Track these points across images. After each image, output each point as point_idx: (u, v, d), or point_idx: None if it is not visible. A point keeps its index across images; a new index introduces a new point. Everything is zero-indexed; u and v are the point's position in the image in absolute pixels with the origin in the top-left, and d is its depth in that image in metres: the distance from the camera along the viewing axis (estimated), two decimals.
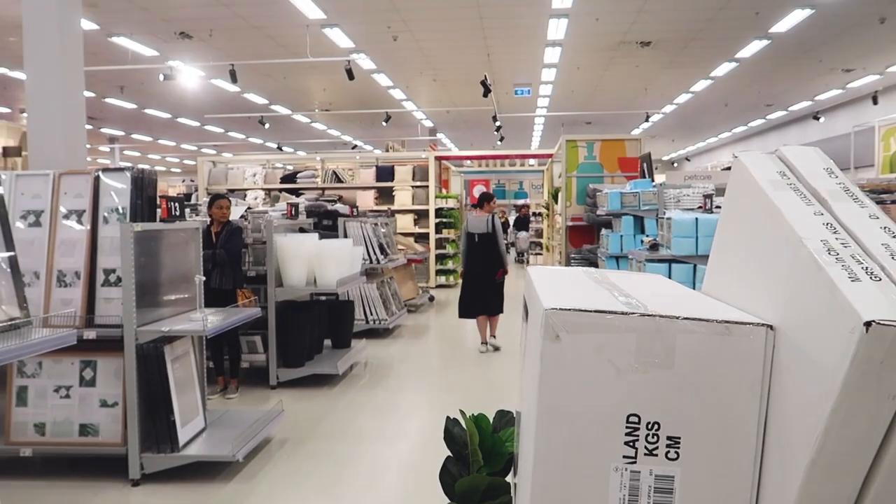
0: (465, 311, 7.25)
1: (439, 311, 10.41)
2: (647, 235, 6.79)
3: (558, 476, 1.08)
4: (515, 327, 8.40)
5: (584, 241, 9.84)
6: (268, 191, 12.87)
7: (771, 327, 1.04)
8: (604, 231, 7.95)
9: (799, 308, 1.00)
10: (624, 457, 1.07)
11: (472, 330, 8.75)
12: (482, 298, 7.19)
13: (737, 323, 1.05)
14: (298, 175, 12.65)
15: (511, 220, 21.58)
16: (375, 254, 7.81)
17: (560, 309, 1.08)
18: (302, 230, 6.44)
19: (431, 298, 10.87)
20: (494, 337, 7.40)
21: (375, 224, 8.24)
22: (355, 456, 4.18)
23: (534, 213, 21.95)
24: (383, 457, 4.18)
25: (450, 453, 1.70)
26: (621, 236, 7.22)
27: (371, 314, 7.95)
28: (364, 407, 5.25)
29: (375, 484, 3.78)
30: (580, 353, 1.07)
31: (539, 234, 21.19)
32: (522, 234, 18.77)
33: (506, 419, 1.70)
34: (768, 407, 1.04)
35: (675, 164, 33.37)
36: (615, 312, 1.07)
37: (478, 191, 29.62)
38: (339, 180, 12.64)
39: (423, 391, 5.90)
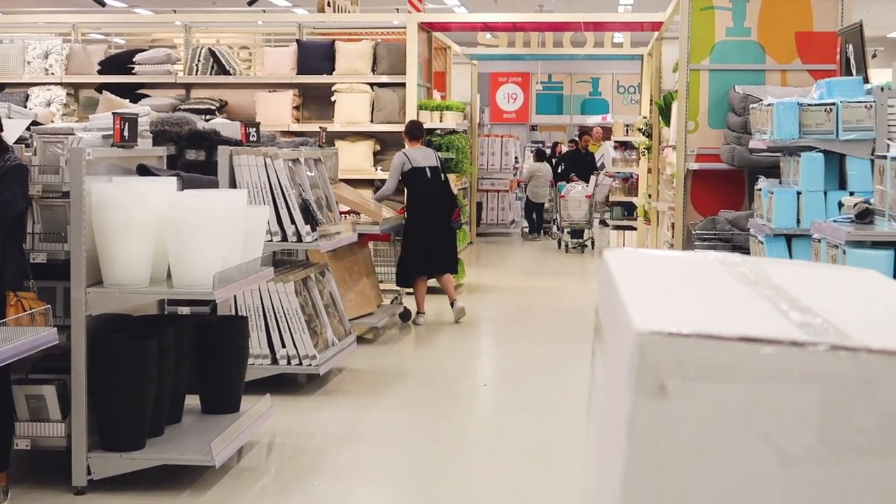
0: (406, 272, 10.79)
1: (423, 341, 10.46)
2: (852, 193, 6.79)
3: None
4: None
5: (720, 204, 9.87)
6: (74, 88, 12.80)
7: None
8: (762, 183, 7.97)
9: None
10: None
11: (484, 379, 8.80)
12: (429, 252, 10.72)
13: None
14: (139, 58, 12.61)
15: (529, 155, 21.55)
16: (295, 222, 7.81)
17: (669, 333, 1.09)
18: (144, 170, 6.43)
19: (406, 315, 10.92)
20: (456, 300, 11.01)
21: (295, 161, 8.24)
22: None
23: (622, 144, 21.98)
24: None
25: None
26: (798, 194, 7.24)
27: (283, 346, 7.96)
28: None
29: None
30: (708, 421, 1.08)
31: (630, 186, 21.28)
32: (577, 188, 18.68)
33: None
34: None
35: None
36: (779, 342, 1.08)
37: (506, 93, 29.71)
38: (223, 70, 12.60)
39: (387, 499, 5.93)
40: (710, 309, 1.24)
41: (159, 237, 5.69)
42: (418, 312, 10.87)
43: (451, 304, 10.93)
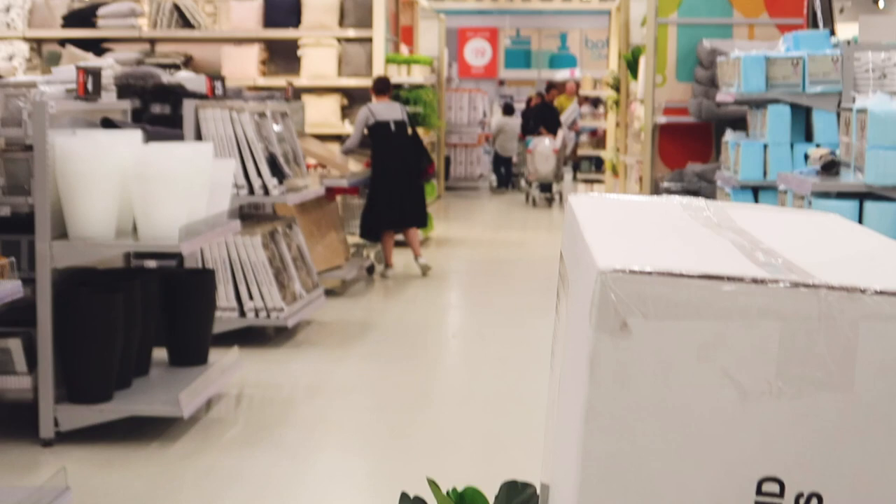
0: (374, 226, 10.82)
1: (391, 294, 10.47)
2: (818, 145, 6.83)
3: None
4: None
5: (688, 157, 9.91)
6: (37, 43, 12.65)
7: None
8: (729, 135, 8.00)
9: None
10: None
11: (453, 331, 8.84)
12: (398, 207, 10.77)
13: None
14: (102, 11, 12.48)
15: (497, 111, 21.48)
16: (261, 176, 7.79)
17: (631, 271, 1.10)
18: (108, 123, 6.40)
19: (371, 269, 10.95)
20: (421, 255, 11.07)
21: (262, 115, 8.20)
22: None
23: (587, 98, 22.00)
24: None
25: None
26: (765, 146, 7.27)
27: (251, 298, 7.96)
28: (234, 482, 5.29)
29: None
30: (669, 358, 1.09)
31: (598, 140, 21.32)
32: (544, 143, 18.62)
33: (520, 499, 1.75)
34: None
35: (882, 5, 33.41)
36: (740, 279, 1.09)
37: (474, 48, 29.63)
38: (187, 24, 12.49)
39: (356, 449, 5.95)
40: (672, 249, 1.25)
41: (124, 190, 5.66)
42: (386, 266, 10.93)
43: (416, 259, 11.04)
